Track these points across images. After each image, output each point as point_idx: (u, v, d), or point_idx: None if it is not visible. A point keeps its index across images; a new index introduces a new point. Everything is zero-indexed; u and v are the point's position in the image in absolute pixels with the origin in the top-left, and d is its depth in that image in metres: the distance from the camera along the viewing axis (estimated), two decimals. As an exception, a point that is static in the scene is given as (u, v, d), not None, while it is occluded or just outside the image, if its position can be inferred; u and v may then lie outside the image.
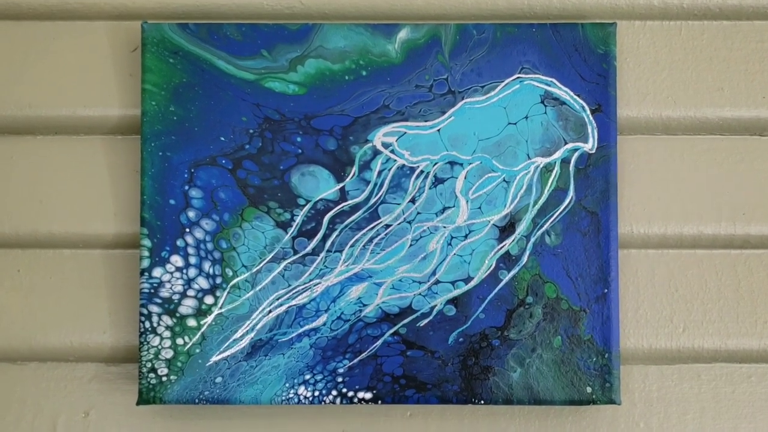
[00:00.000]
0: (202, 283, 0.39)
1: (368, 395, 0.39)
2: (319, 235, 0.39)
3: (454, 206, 0.39)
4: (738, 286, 0.41)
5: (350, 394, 0.39)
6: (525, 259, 0.39)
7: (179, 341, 0.39)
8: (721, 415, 0.41)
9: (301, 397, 0.39)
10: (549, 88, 0.40)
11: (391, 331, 0.39)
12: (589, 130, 0.39)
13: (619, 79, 0.41)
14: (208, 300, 0.39)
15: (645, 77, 0.41)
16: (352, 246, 0.39)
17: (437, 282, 0.39)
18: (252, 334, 0.39)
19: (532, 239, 0.39)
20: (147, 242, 0.39)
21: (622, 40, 0.41)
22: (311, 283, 0.39)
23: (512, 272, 0.39)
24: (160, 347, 0.39)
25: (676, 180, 0.41)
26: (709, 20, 0.42)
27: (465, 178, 0.40)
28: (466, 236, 0.39)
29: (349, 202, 0.39)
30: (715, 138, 0.42)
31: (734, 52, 0.42)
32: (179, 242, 0.39)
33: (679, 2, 0.42)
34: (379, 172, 0.39)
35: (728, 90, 0.41)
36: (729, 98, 0.41)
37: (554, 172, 0.39)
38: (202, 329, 0.39)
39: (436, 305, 0.39)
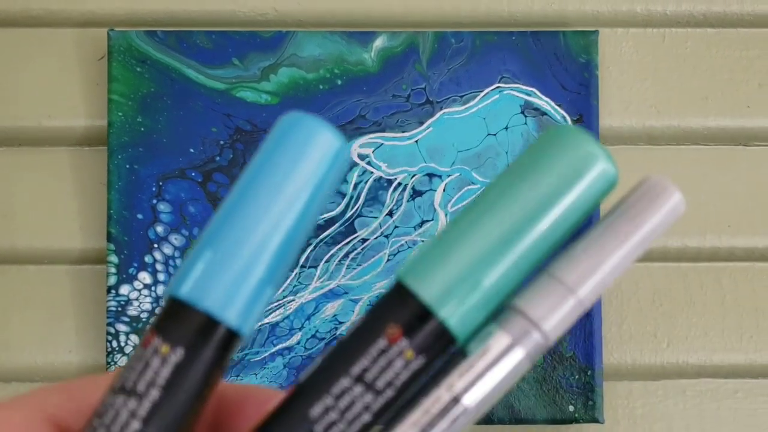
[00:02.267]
0: (171, 300, 0.37)
1: None
2: (293, 250, 0.38)
3: (432, 219, 0.38)
4: (723, 300, 0.40)
5: (325, 414, 0.38)
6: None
7: (147, 361, 0.37)
8: (707, 431, 0.40)
9: (275, 419, 0.37)
10: (529, 98, 0.38)
11: (368, 349, 0.38)
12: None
13: (601, 88, 0.40)
14: (178, 318, 0.37)
15: (628, 86, 0.40)
16: (327, 261, 0.38)
17: (415, 298, 0.38)
18: (223, 354, 0.38)
19: (513, 253, 0.38)
20: (114, 258, 0.37)
21: (604, 48, 0.40)
22: (284, 300, 0.38)
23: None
24: (127, 368, 0.37)
25: (660, 191, 0.40)
26: (693, 28, 0.41)
27: (444, 190, 0.38)
28: (444, 251, 0.38)
29: (324, 215, 0.38)
30: (700, 148, 0.41)
31: (719, 61, 0.41)
32: (147, 258, 0.37)
33: (662, 9, 0.41)
34: (355, 185, 0.38)
35: (713, 99, 0.41)
36: (713, 107, 0.41)
37: (535, 184, 0.38)
38: (172, 349, 0.37)
39: (414, 322, 0.38)
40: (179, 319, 0.15)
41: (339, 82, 0.38)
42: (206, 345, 0.15)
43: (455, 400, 0.15)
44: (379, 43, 0.38)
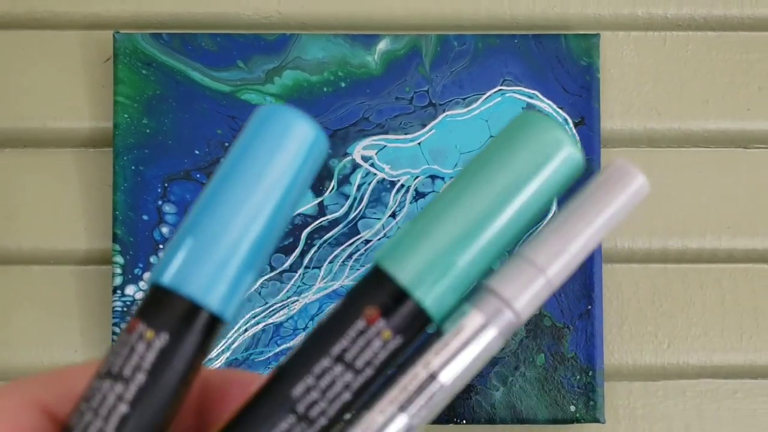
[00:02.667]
0: (176, 301, 0.38)
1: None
2: (297, 251, 0.38)
3: (435, 221, 0.39)
4: (723, 301, 0.41)
5: (329, 414, 0.38)
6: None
7: (152, 361, 0.38)
8: (706, 431, 0.41)
9: (279, 418, 0.38)
10: (531, 101, 0.39)
11: (371, 349, 0.38)
12: (573, 144, 0.39)
13: (602, 91, 0.40)
14: (183, 319, 0.38)
15: (629, 89, 0.41)
16: (330, 262, 0.38)
17: (418, 299, 0.38)
18: (228, 354, 0.38)
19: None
20: (119, 259, 0.38)
21: (605, 51, 0.41)
22: (288, 300, 0.38)
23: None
24: (132, 368, 0.37)
25: (660, 193, 0.41)
26: (694, 31, 0.41)
27: (446, 192, 0.39)
28: (447, 252, 0.38)
29: (328, 217, 0.38)
30: (700, 150, 0.41)
31: (719, 64, 0.41)
32: (153, 259, 0.38)
33: (663, 13, 0.41)
34: (359, 186, 0.39)
35: (713, 102, 0.41)
36: (714, 110, 0.41)
37: (537, 186, 0.38)
38: (177, 349, 0.38)
39: (416, 323, 0.38)
40: (163, 306, 0.15)
41: (342, 84, 0.39)
42: (190, 330, 0.15)
43: (432, 377, 0.15)
44: (382, 46, 0.39)
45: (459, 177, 0.16)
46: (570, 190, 0.16)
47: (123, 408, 0.15)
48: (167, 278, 0.15)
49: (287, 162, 0.16)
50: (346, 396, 0.15)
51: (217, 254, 0.15)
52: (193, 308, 0.15)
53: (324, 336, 0.16)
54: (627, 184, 0.16)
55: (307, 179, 0.16)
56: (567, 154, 0.16)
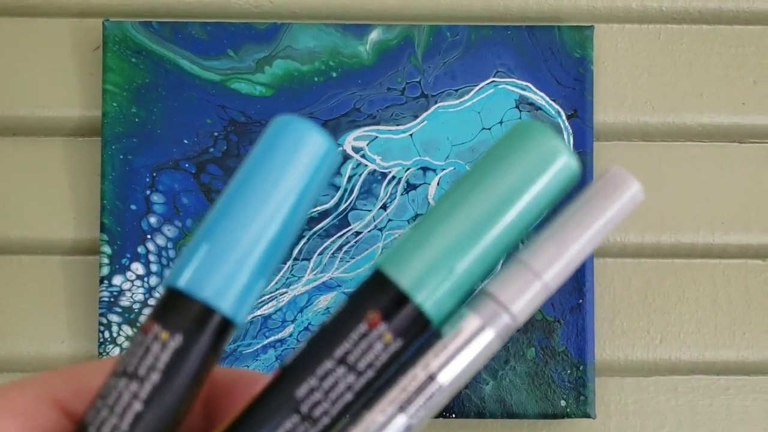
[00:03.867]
0: (164, 291, 0.37)
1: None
2: (287, 243, 0.38)
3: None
4: (716, 297, 0.40)
5: (317, 407, 0.38)
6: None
7: (139, 352, 0.37)
8: (698, 428, 0.40)
9: (266, 411, 0.37)
10: (524, 93, 0.38)
11: (360, 342, 0.38)
12: (565, 136, 0.38)
13: (596, 83, 0.40)
14: (170, 309, 0.37)
15: (623, 82, 0.40)
16: (320, 254, 0.38)
17: (408, 292, 0.38)
18: (215, 345, 0.38)
19: (506, 248, 0.38)
20: (107, 249, 0.37)
21: (599, 43, 0.40)
22: (277, 292, 0.38)
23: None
24: (119, 358, 0.37)
25: (654, 188, 0.40)
26: (689, 24, 0.41)
27: (438, 184, 0.38)
28: (437, 244, 0.38)
29: (318, 208, 0.38)
30: (694, 145, 0.41)
31: (714, 57, 0.41)
32: (140, 249, 0.37)
33: (658, 5, 0.41)
34: (349, 178, 0.38)
35: (707, 96, 0.41)
36: (708, 104, 0.41)
37: (529, 179, 0.38)
38: (164, 340, 0.37)
39: (406, 315, 0.38)
40: (178, 308, 0.16)
41: (334, 74, 0.38)
42: (203, 332, 0.16)
43: (431, 378, 0.16)
44: (374, 35, 0.38)
45: (459, 184, 0.17)
46: (567, 196, 0.17)
47: (138, 406, 0.16)
48: (183, 282, 0.16)
49: (300, 173, 0.16)
50: (348, 397, 0.16)
51: (230, 261, 0.16)
52: (206, 311, 0.16)
53: (327, 338, 0.16)
54: (622, 191, 0.16)
55: (318, 190, 0.17)
56: (563, 163, 0.16)
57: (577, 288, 0.38)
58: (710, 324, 0.40)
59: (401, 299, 0.16)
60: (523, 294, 0.16)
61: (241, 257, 0.16)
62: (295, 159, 0.16)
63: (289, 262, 0.38)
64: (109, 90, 0.38)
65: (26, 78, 0.39)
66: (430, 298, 0.16)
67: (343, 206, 0.38)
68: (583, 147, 0.38)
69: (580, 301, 0.38)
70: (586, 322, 0.38)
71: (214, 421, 0.19)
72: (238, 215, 0.16)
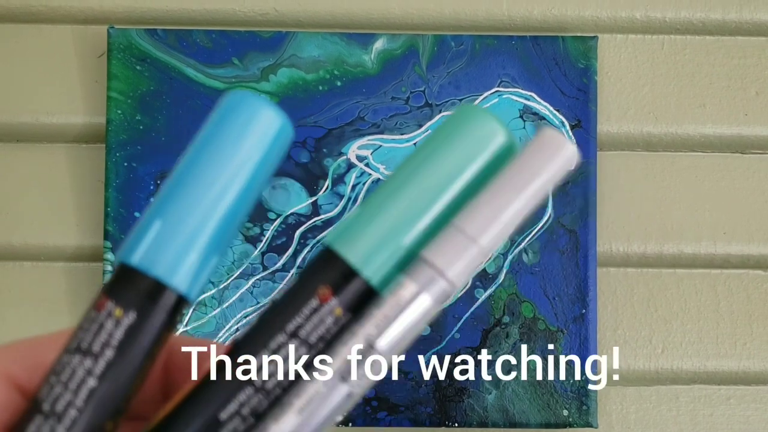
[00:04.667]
0: (167, 299, 0.37)
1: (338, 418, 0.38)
2: (290, 251, 0.38)
3: (429, 222, 0.38)
4: (718, 307, 0.41)
5: (320, 415, 0.38)
6: (502, 277, 0.38)
7: (142, 360, 0.37)
8: (700, 437, 0.40)
9: (269, 419, 0.37)
10: (528, 103, 0.39)
11: (363, 350, 0.38)
12: (569, 147, 0.38)
13: (599, 94, 0.40)
14: (174, 317, 0.37)
15: (626, 92, 0.41)
16: (323, 262, 0.38)
17: (411, 300, 0.38)
18: (218, 353, 0.38)
19: (509, 257, 0.38)
20: (111, 256, 0.37)
21: (603, 54, 0.40)
22: (281, 300, 0.38)
23: (488, 291, 0.38)
24: (122, 366, 0.37)
25: (657, 198, 0.40)
26: (692, 35, 0.41)
27: (441, 193, 0.38)
28: (441, 254, 0.38)
29: (322, 216, 0.38)
30: (697, 155, 0.41)
31: (717, 68, 0.41)
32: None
33: (661, 16, 0.41)
34: (353, 186, 0.38)
35: (710, 106, 0.41)
36: (711, 115, 0.41)
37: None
38: (167, 347, 0.37)
39: (409, 324, 0.38)
40: (131, 285, 0.16)
41: (338, 83, 0.38)
42: (156, 309, 0.16)
43: (370, 346, 0.16)
44: (378, 45, 0.38)
45: (404, 164, 0.17)
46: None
47: (92, 382, 0.16)
48: (136, 259, 0.16)
49: (252, 149, 0.16)
50: (299, 368, 0.16)
51: (182, 237, 0.16)
52: (159, 288, 0.16)
53: (279, 313, 0.17)
54: (556, 153, 0.16)
55: (271, 166, 0.17)
56: (501, 141, 0.17)
57: (580, 298, 0.38)
58: (712, 334, 0.40)
59: (350, 274, 0.16)
60: (459, 259, 0.16)
61: (194, 234, 0.16)
62: (248, 134, 0.16)
63: (293, 271, 0.38)
64: (114, 97, 0.38)
65: (31, 84, 0.39)
66: (378, 273, 0.16)
67: (346, 215, 0.38)
68: (586, 157, 0.38)
69: (583, 311, 0.38)
70: (588, 331, 0.38)
71: (172, 388, 0.19)
72: (189, 191, 0.16)
